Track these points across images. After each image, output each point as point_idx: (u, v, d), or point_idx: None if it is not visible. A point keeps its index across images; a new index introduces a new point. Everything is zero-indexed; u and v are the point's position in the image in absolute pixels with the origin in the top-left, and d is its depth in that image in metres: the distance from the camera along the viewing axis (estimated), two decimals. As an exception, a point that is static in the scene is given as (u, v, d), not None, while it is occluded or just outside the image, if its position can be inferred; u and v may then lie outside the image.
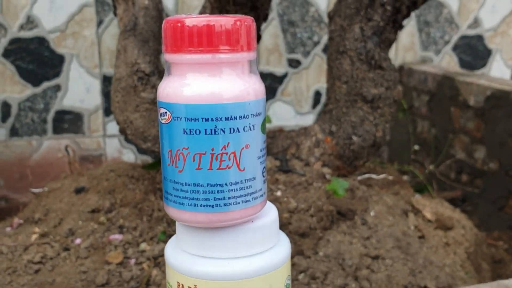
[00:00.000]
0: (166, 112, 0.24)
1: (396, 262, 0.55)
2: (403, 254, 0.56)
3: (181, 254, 0.25)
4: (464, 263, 0.62)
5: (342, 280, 0.51)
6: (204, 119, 0.23)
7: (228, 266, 0.24)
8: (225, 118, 0.23)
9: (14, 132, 1.10)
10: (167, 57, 0.24)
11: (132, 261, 0.54)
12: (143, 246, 0.56)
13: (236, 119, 0.23)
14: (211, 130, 0.23)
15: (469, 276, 0.60)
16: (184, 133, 0.23)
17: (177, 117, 0.24)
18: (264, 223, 0.25)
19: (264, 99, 0.25)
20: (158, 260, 0.54)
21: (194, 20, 0.23)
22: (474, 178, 0.98)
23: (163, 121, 0.24)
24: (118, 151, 1.16)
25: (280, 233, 0.27)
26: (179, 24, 0.23)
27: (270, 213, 0.26)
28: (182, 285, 0.25)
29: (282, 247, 0.26)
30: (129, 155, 1.16)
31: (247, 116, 0.24)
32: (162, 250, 0.55)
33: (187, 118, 0.23)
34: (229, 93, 0.23)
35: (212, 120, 0.23)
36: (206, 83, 0.23)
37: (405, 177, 0.88)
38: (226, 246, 0.24)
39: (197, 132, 0.23)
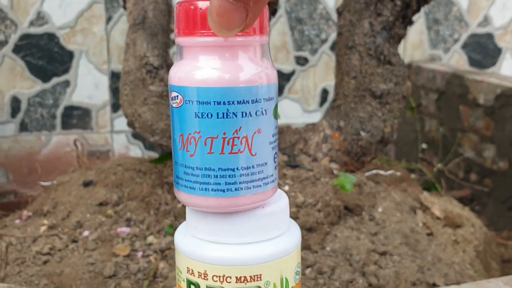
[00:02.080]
0: (177, 96, 0.24)
1: (404, 259, 0.54)
2: (411, 251, 0.56)
3: (190, 239, 0.25)
4: (473, 261, 0.62)
5: (350, 275, 0.51)
6: (216, 103, 0.23)
7: (238, 252, 0.24)
8: (237, 102, 0.23)
9: (23, 127, 1.11)
10: (179, 40, 0.24)
11: (139, 253, 0.54)
12: (150, 239, 0.56)
13: (248, 103, 0.23)
14: (223, 113, 0.23)
15: (478, 275, 0.59)
16: (195, 117, 0.23)
17: (189, 101, 0.23)
18: (275, 209, 0.25)
19: (276, 84, 0.25)
20: (165, 253, 0.54)
21: (207, 2, 0.23)
22: (483, 177, 0.97)
23: (174, 105, 0.24)
24: (125, 147, 1.16)
25: (290, 220, 0.27)
26: (192, 7, 0.23)
27: (281, 200, 0.26)
28: (192, 270, 0.25)
29: (293, 233, 0.26)
30: (136, 151, 1.17)
31: (259, 100, 0.24)
32: (169, 243, 0.55)
33: (199, 102, 0.23)
34: (241, 76, 0.23)
35: (224, 103, 0.23)
36: (218, 66, 0.23)
37: (412, 176, 0.88)
38: (236, 231, 0.24)
39: (209, 115, 0.23)
